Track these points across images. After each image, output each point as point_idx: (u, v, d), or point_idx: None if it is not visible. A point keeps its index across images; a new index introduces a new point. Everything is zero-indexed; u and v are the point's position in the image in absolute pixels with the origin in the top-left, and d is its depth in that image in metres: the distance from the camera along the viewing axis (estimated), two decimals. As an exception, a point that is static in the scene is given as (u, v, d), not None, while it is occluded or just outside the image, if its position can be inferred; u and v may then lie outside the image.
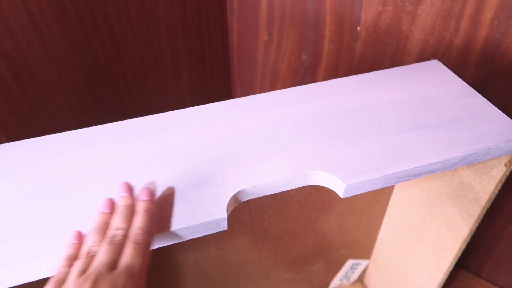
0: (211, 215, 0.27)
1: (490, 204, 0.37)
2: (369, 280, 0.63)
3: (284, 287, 0.59)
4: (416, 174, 0.30)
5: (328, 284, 0.62)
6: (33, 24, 0.48)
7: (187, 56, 0.67)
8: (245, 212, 0.46)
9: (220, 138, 0.33)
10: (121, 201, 0.27)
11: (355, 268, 0.60)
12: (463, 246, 0.41)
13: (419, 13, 0.48)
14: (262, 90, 0.74)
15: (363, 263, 0.60)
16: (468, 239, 0.40)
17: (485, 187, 0.36)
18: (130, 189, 0.28)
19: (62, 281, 0.24)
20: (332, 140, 0.32)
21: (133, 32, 0.57)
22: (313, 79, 0.65)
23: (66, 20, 0.51)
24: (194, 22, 0.64)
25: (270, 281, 0.57)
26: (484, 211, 0.37)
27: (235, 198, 0.29)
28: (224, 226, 0.28)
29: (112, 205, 0.27)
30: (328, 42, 0.59)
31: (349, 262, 0.59)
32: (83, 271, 0.24)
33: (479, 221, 0.38)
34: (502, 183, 0.35)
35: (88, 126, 0.34)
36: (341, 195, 0.30)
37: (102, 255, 0.25)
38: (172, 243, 0.27)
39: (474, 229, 0.39)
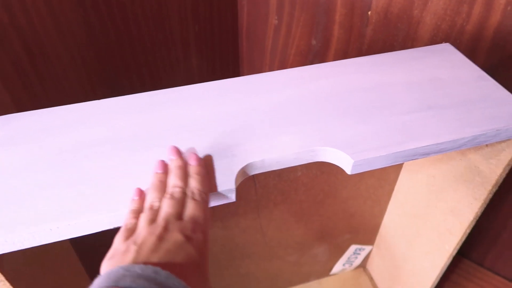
0: (220, 185, 0.27)
1: (497, 188, 0.37)
2: (371, 265, 0.63)
3: (287, 270, 0.59)
4: (424, 153, 0.30)
5: (331, 268, 0.62)
6: (46, 1, 0.49)
7: (197, 38, 0.67)
8: (251, 192, 0.46)
9: (230, 114, 0.33)
10: (173, 163, 0.28)
11: (358, 254, 0.61)
12: (468, 231, 0.41)
13: (431, -2, 0.48)
14: (270, 75, 0.73)
15: (367, 248, 0.61)
16: (473, 223, 0.40)
17: (493, 171, 0.36)
18: (179, 152, 0.29)
19: (132, 230, 0.25)
20: (341, 118, 0.32)
21: (144, 13, 0.58)
22: (322, 65, 0.65)
23: (78, -2, 0.51)
24: (205, 5, 0.64)
25: (273, 263, 0.57)
26: (491, 195, 0.37)
27: (243, 171, 0.29)
28: (232, 197, 0.28)
29: (165, 166, 0.28)
30: (338, 27, 0.59)
31: (353, 247, 0.59)
32: (152, 220, 0.25)
33: (484, 206, 0.38)
34: (510, 166, 0.35)
35: (98, 101, 0.34)
36: (349, 171, 0.30)
37: (166, 208, 0.25)
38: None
39: (479, 213, 0.39)
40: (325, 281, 0.63)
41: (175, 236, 0.24)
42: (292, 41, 0.65)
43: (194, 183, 0.27)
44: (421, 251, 0.50)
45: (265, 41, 0.69)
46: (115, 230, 0.26)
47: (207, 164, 0.29)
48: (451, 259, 0.44)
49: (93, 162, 0.29)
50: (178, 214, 0.25)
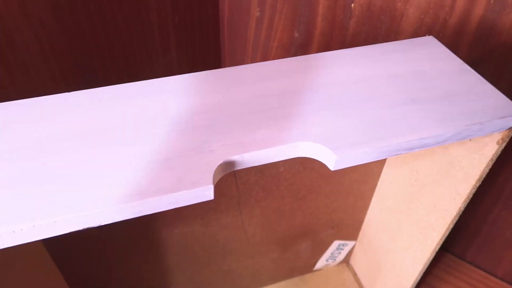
0: (197, 183, 0.26)
1: (480, 183, 0.37)
2: (354, 261, 0.63)
3: (269, 266, 0.59)
4: (408, 148, 0.30)
5: (314, 264, 0.62)
6: (13, -14, 0.46)
7: (176, 30, 0.65)
8: (232, 188, 0.45)
9: (208, 107, 0.32)
10: None
11: (342, 249, 0.60)
12: (451, 226, 0.40)
13: (415, -10, 0.47)
14: (252, 69, 0.72)
15: (350, 244, 0.60)
16: (456, 218, 0.40)
17: (476, 166, 0.36)
18: None
19: None
20: (323, 112, 0.31)
21: (120, 1, 0.55)
22: (304, 58, 0.64)
23: (48, -16, 0.49)
24: (185, -5, 0.62)
25: (255, 260, 0.56)
26: (474, 190, 0.37)
27: (222, 168, 0.28)
28: (210, 195, 0.27)
29: None
30: (321, 19, 0.58)
31: (336, 243, 0.59)
32: None
33: (467, 201, 0.38)
34: (493, 161, 0.35)
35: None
36: (332, 167, 0.29)
37: None
38: (155, 211, 0.26)
39: (462, 208, 0.39)
40: (308, 277, 0.62)
41: None
42: (274, 33, 0.64)
43: None
44: (403, 246, 0.49)
45: (247, 34, 0.68)
46: (89, 229, 0.25)
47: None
48: (434, 254, 0.44)
49: (60, 158, 0.27)
50: None
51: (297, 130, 0.30)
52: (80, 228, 0.25)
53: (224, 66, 0.76)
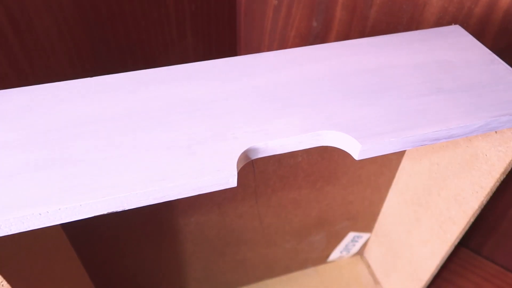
0: (221, 170, 0.26)
1: (504, 176, 0.36)
2: (369, 253, 0.62)
3: (283, 257, 0.58)
4: (434, 139, 0.29)
5: (328, 256, 0.62)
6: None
7: (193, 18, 0.64)
8: (249, 177, 0.45)
9: (228, 94, 0.31)
10: None
11: (356, 241, 0.60)
12: (472, 220, 0.40)
13: (440, -22, 0.46)
14: (268, 58, 0.71)
15: (364, 236, 0.60)
16: (478, 212, 0.39)
17: (501, 159, 0.35)
18: None
19: None
20: (347, 100, 0.31)
21: (138, -12, 0.55)
22: (322, 48, 0.63)
23: (68, -30, 0.49)
24: (202, -17, 0.61)
25: (270, 250, 0.56)
26: (498, 184, 0.36)
27: (245, 155, 0.28)
28: (234, 182, 0.26)
29: None
30: (341, 8, 0.57)
31: (351, 235, 0.59)
32: None
33: (491, 194, 0.37)
34: (520, 154, 0.34)
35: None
36: (356, 157, 0.28)
37: None
38: (178, 197, 0.26)
39: (485, 202, 0.38)
40: (322, 268, 0.62)
41: None
42: (292, 22, 0.63)
43: None
44: (420, 240, 0.49)
45: (264, 22, 0.67)
46: (108, 214, 0.25)
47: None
48: (452, 248, 0.43)
49: (84, 143, 0.27)
50: None
51: (321, 118, 0.29)
52: (104, 212, 0.25)
53: (239, 54, 0.76)
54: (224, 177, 0.26)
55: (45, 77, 0.52)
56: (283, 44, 0.67)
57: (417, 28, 0.51)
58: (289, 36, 0.65)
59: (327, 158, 0.46)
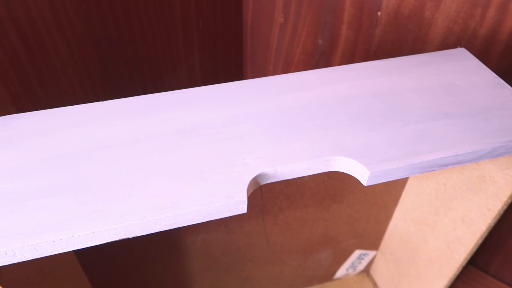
0: (231, 197, 0.26)
1: (512, 199, 0.36)
2: (375, 270, 0.62)
3: (289, 274, 0.58)
4: (442, 165, 0.29)
5: (334, 273, 0.61)
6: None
7: (200, 35, 0.65)
8: (256, 196, 0.45)
9: (236, 118, 0.32)
10: None
11: (362, 259, 0.60)
12: (480, 241, 0.40)
13: (444, 0, 0.47)
14: (274, 74, 0.72)
15: (371, 253, 0.60)
16: (486, 234, 0.39)
17: (509, 182, 0.35)
18: None
19: None
20: (354, 125, 0.31)
21: (146, 6, 0.56)
22: (328, 65, 0.64)
23: (79, -10, 0.50)
24: (209, 1, 0.62)
25: (276, 268, 0.56)
26: (505, 207, 0.36)
27: (255, 181, 0.28)
28: (244, 209, 0.27)
29: None
30: (347, 27, 0.57)
31: (357, 252, 0.58)
32: None
33: (498, 216, 0.37)
34: (527, 178, 0.34)
35: (97, 101, 0.33)
36: (365, 183, 0.28)
37: None
38: (189, 224, 0.26)
39: (492, 224, 0.38)
40: (328, 285, 0.62)
41: None
42: (298, 40, 0.64)
43: None
44: (428, 259, 0.49)
45: (270, 40, 0.68)
46: (120, 240, 0.25)
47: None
48: (460, 269, 0.43)
49: (96, 168, 0.28)
50: None
51: (329, 143, 0.30)
52: (116, 239, 0.25)
53: (246, 72, 0.77)
54: (234, 203, 0.26)
55: (55, 95, 0.53)
56: (289, 61, 0.68)
57: (422, 48, 0.52)
58: (295, 53, 0.66)
59: (333, 177, 0.46)
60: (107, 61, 0.58)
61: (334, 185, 0.47)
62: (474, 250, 0.41)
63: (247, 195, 0.27)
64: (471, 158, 0.30)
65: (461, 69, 0.37)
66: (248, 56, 0.74)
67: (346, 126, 0.31)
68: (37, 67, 0.50)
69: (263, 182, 0.29)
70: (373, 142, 0.30)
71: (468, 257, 0.42)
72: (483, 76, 0.36)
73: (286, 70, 0.69)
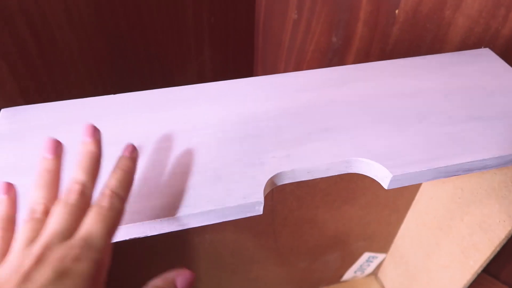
0: (247, 197, 0.25)
1: (534, 206, 0.35)
2: (383, 274, 0.61)
3: (297, 275, 0.57)
4: (467, 169, 0.28)
5: (342, 275, 0.60)
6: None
7: (211, 31, 0.64)
8: (267, 197, 0.44)
9: (253, 116, 0.30)
10: (84, 147, 0.21)
11: (371, 261, 0.59)
12: (498, 249, 0.38)
13: (466, -1, 0.45)
14: (285, 72, 0.71)
15: (380, 256, 0.58)
16: (505, 241, 0.38)
17: (532, 188, 0.34)
18: (96, 133, 0.21)
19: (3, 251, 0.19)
20: (377, 126, 0.30)
21: (158, 2, 0.55)
22: (341, 63, 0.62)
23: (90, -17, 0.49)
24: (221, -4, 0.61)
25: (284, 269, 0.55)
26: (527, 214, 0.35)
27: (271, 181, 0.27)
28: (260, 210, 0.26)
29: (58, 148, 0.21)
30: (362, 24, 0.56)
31: (366, 255, 0.57)
32: (30, 240, 0.19)
33: (519, 224, 0.36)
34: (552, 185, 0.33)
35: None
36: (386, 186, 0.27)
37: (54, 221, 0.19)
38: (203, 224, 0.25)
39: (512, 231, 0.37)
40: (335, 287, 0.61)
41: (46, 273, 0.17)
42: (311, 37, 0.63)
43: (112, 181, 0.21)
44: (440, 264, 0.47)
45: (282, 36, 0.67)
46: (129, 240, 0.24)
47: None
48: (475, 276, 0.42)
49: (104, 165, 0.26)
50: (70, 230, 0.19)
51: (350, 144, 0.28)
52: (127, 238, 0.24)
53: (256, 68, 0.75)
54: (251, 204, 0.25)
55: (64, 89, 0.52)
56: (301, 58, 0.66)
57: (441, 48, 0.50)
58: (308, 51, 0.65)
59: (346, 178, 0.45)
60: (118, 57, 0.57)
61: (346, 186, 0.46)
62: (491, 257, 0.39)
63: (264, 195, 0.26)
64: (498, 163, 0.28)
65: (487, 70, 0.36)
66: (260, 53, 0.73)
67: (368, 126, 0.30)
68: (47, 61, 0.49)
69: (280, 183, 0.27)
70: (396, 144, 0.28)
71: (484, 264, 0.41)
72: (509, 77, 0.35)
73: (298, 68, 0.68)
